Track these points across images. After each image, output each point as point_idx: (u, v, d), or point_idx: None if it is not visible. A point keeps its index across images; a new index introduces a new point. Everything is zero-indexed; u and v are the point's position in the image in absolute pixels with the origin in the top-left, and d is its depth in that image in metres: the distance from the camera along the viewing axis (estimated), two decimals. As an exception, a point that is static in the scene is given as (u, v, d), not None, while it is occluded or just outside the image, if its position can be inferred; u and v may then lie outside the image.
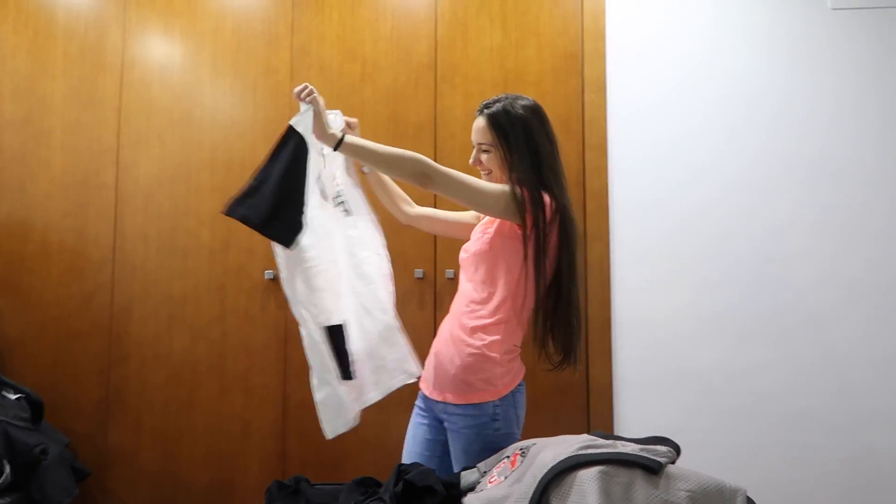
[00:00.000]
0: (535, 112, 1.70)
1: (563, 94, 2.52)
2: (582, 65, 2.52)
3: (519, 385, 1.68)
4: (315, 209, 1.65)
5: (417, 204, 2.01)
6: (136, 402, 2.55)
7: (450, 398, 1.65)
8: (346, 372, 1.66)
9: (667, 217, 2.44)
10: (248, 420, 2.52)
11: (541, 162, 1.66)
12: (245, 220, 1.58)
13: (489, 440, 1.60)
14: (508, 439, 1.61)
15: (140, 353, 2.56)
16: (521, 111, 1.68)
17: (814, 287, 2.38)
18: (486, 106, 1.72)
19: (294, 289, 1.62)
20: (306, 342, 1.63)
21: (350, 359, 1.66)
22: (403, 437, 1.84)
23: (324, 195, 1.75)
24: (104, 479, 2.53)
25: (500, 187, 1.63)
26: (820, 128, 2.42)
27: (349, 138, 1.65)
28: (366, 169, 1.91)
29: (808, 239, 2.39)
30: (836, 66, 2.43)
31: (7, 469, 2.11)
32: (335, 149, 1.65)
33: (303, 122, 1.64)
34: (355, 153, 1.67)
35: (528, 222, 1.60)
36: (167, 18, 2.65)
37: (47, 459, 2.18)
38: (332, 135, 1.65)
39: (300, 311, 1.62)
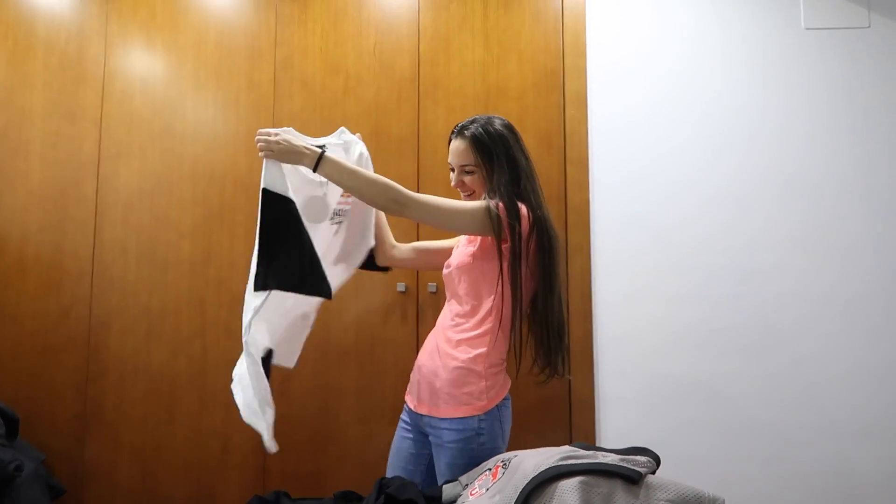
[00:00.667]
0: (510, 129, 1.74)
1: (545, 109, 2.55)
2: (563, 80, 2.56)
3: (504, 399, 1.69)
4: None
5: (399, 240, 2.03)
6: (114, 417, 2.52)
7: (434, 412, 1.66)
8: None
9: (646, 231, 2.48)
10: (228, 435, 2.51)
11: (519, 176, 1.69)
12: (283, 288, 1.57)
13: (474, 454, 1.61)
14: (493, 454, 1.62)
15: (118, 368, 2.54)
16: (499, 129, 1.71)
17: (787, 300, 2.42)
18: (464, 128, 1.74)
19: (247, 328, 1.61)
20: (251, 370, 1.62)
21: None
22: (386, 451, 1.84)
23: (324, 216, 1.76)
24: (81, 495, 2.50)
25: (473, 205, 1.64)
26: (795, 144, 2.48)
27: (329, 157, 1.62)
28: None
29: (781, 253, 2.44)
30: (810, 84, 2.50)
31: (-20, 486, 2.08)
32: (314, 169, 1.62)
33: (269, 177, 1.62)
34: (332, 174, 1.62)
35: (506, 234, 1.61)
36: (149, 31, 2.65)
37: (22, 476, 2.15)
38: (309, 156, 1.62)
39: (250, 343, 1.62)
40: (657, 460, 1.35)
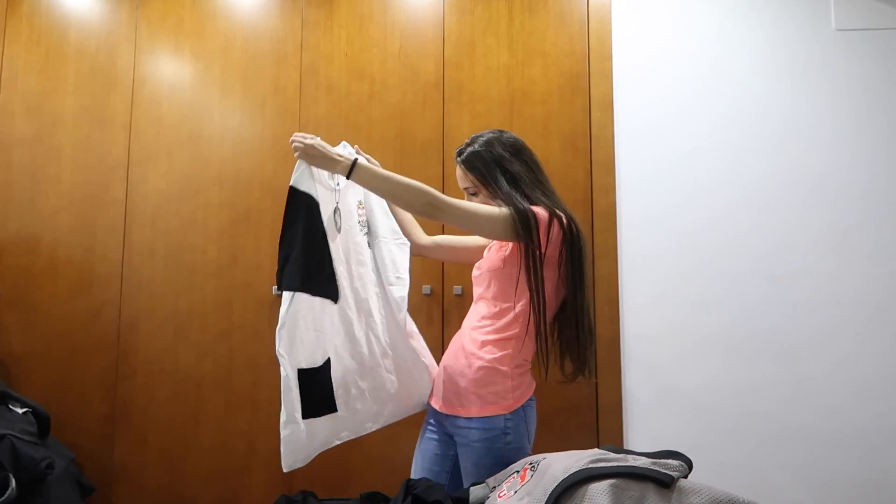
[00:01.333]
0: (507, 146, 1.73)
1: (570, 113, 2.54)
2: (588, 84, 2.55)
3: (529, 399, 1.69)
4: (336, 262, 1.69)
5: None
6: (142, 417, 2.55)
7: (460, 412, 1.66)
8: (326, 406, 1.68)
9: (673, 234, 2.46)
10: (254, 436, 2.52)
11: (517, 180, 1.69)
12: (293, 289, 1.61)
13: (500, 454, 1.61)
14: (519, 454, 1.61)
15: (146, 369, 2.57)
16: (487, 146, 1.73)
17: (817, 304, 2.38)
18: (460, 152, 1.77)
19: (279, 333, 1.63)
20: (283, 384, 1.63)
21: (334, 392, 1.68)
22: (411, 453, 1.84)
23: (338, 228, 1.77)
24: (109, 494, 2.53)
25: (501, 210, 1.64)
26: (823, 147, 2.44)
27: (362, 163, 1.64)
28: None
29: (810, 256, 2.40)
30: (839, 86, 2.46)
31: (13, 483, 2.11)
32: (348, 177, 1.64)
33: (298, 176, 1.65)
34: (366, 180, 1.64)
35: (538, 240, 1.61)
36: (177, 38, 2.69)
37: (53, 474, 2.18)
38: (343, 164, 1.64)
39: (279, 353, 1.63)
40: (689, 464, 1.33)
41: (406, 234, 1.97)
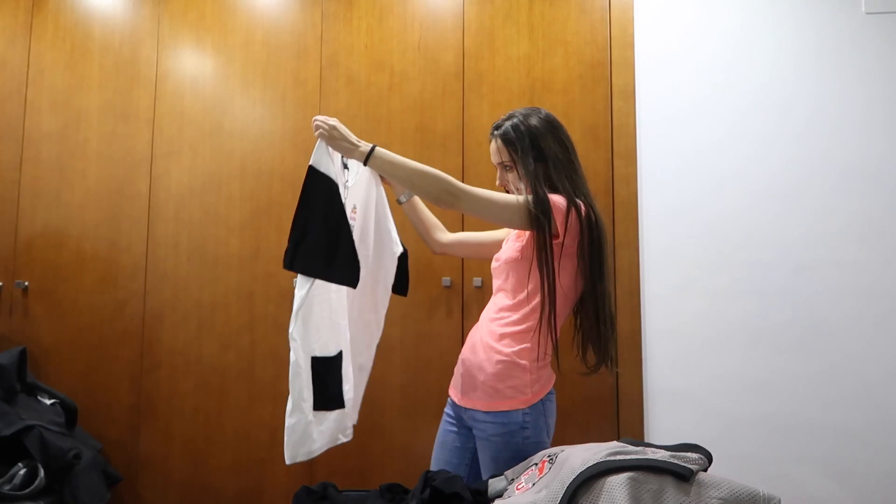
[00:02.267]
0: (543, 121, 1.72)
1: (591, 103, 2.52)
2: (610, 73, 2.52)
3: (549, 393, 1.68)
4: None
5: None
6: (167, 408, 2.59)
7: (479, 405, 1.65)
8: (336, 401, 1.67)
9: (695, 224, 2.42)
10: (277, 427, 2.55)
11: (548, 165, 1.67)
12: (307, 272, 1.59)
13: (518, 448, 1.60)
14: (538, 448, 1.61)
15: (171, 360, 2.61)
16: (529, 122, 1.71)
17: (841, 295, 2.34)
18: (497, 127, 1.76)
19: (294, 317, 1.62)
20: (291, 368, 1.61)
21: (343, 387, 1.68)
22: (431, 445, 1.85)
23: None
24: (135, 484, 2.57)
25: (517, 199, 1.63)
26: (850, 135, 2.39)
27: (379, 151, 1.66)
28: (402, 199, 1.92)
29: (835, 246, 2.35)
30: (868, 71, 2.40)
31: (41, 473, 2.16)
32: (365, 163, 1.66)
33: (318, 157, 1.65)
34: (383, 167, 1.66)
35: (556, 229, 1.60)
36: (199, 32, 2.71)
37: (80, 464, 2.22)
38: (360, 150, 1.66)
39: (292, 336, 1.61)
40: (709, 458, 1.32)
41: (428, 233, 1.96)
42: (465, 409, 1.70)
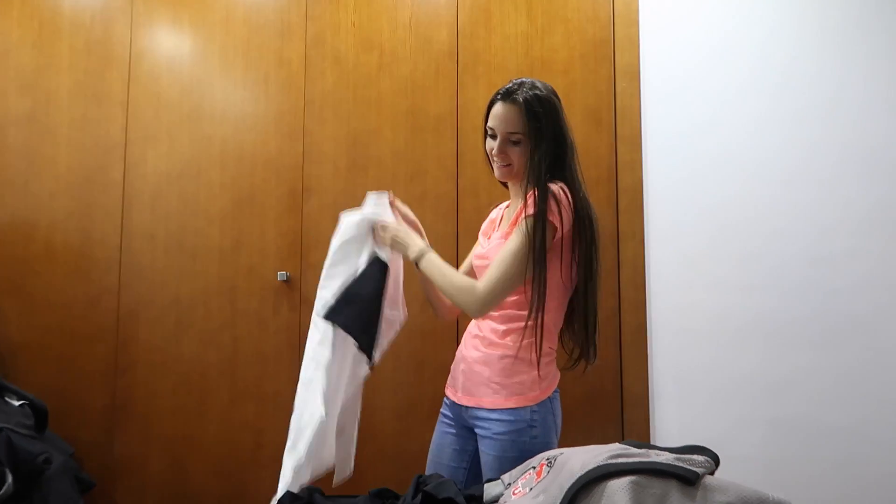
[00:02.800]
0: (557, 96, 1.70)
1: (593, 84, 2.50)
2: (613, 51, 2.50)
3: (555, 391, 1.68)
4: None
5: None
6: (144, 409, 2.58)
7: (484, 402, 1.65)
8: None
9: (705, 214, 2.42)
10: (261, 429, 2.54)
11: (566, 151, 1.66)
12: (346, 329, 1.69)
13: (525, 448, 1.59)
14: (545, 448, 1.60)
15: (148, 359, 2.59)
16: (549, 95, 1.67)
17: (862, 288, 2.33)
18: (513, 91, 1.67)
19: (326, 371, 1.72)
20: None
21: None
22: (424, 448, 1.84)
23: None
24: (110, 490, 2.56)
25: (520, 244, 1.59)
26: (877, 116, 2.36)
27: (430, 255, 1.70)
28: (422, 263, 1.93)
29: (857, 237, 2.35)
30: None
31: (9, 479, 2.14)
32: (417, 265, 1.71)
33: (386, 252, 1.75)
34: (427, 269, 1.69)
35: (544, 234, 1.59)
36: (175, 9, 2.68)
37: (51, 469, 2.21)
38: (415, 251, 1.70)
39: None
40: (716, 460, 1.31)
41: (441, 305, 1.94)
42: (467, 407, 1.69)
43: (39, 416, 2.39)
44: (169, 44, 2.69)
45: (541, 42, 2.54)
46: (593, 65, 2.51)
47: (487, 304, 1.62)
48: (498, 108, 1.69)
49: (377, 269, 1.74)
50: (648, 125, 2.46)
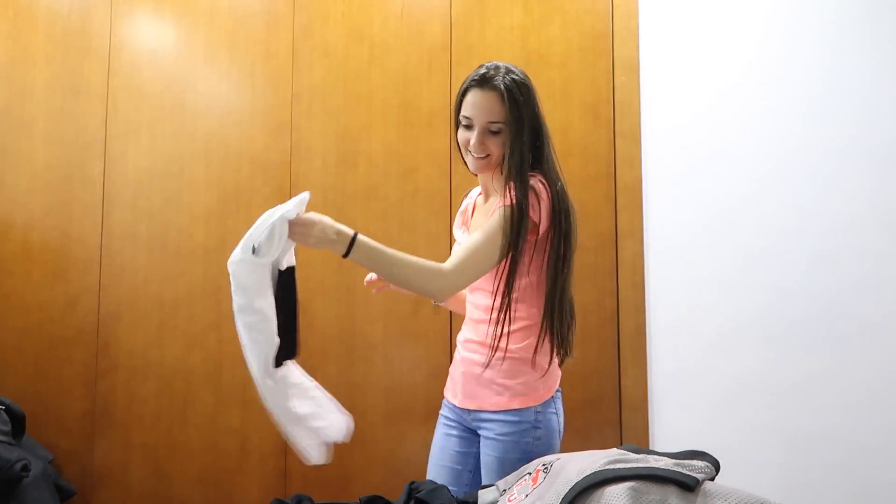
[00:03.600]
0: (529, 80, 1.69)
1: (591, 77, 2.53)
2: (612, 44, 2.53)
3: (557, 390, 1.72)
4: None
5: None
6: (125, 415, 2.59)
7: (487, 405, 1.68)
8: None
9: (708, 212, 2.44)
10: (247, 435, 2.56)
11: (543, 142, 1.66)
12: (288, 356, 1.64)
13: (528, 449, 1.62)
14: (548, 451, 1.63)
15: (129, 363, 2.60)
16: (526, 80, 1.67)
17: (867, 287, 2.36)
18: (489, 77, 1.64)
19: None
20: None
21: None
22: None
23: None
24: (90, 498, 2.57)
25: (494, 231, 1.58)
26: (883, 112, 2.39)
27: (362, 241, 1.51)
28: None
29: (861, 234, 2.37)
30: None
31: (-14, 487, 2.15)
32: (345, 256, 1.52)
33: (290, 257, 1.60)
34: (363, 261, 1.54)
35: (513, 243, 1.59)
36: (158, -2, 2.69)
37: (29, 477, 2.22)
38: (340, 241, 1.51)
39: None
40: (716, 466, 1.34)
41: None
42: (469, 410, 1.72)
43: (16, 421, 2.39)
44: (150, 34, 2.69)
45: (537, 34, 2.56)
46: (592, 58, 2.53)
47: (456, 288, 1.59)
48: (475, 95, 1.64)
49: (288, 278, 1.60)
50: (648, 120, 2.48)
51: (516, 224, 1.58)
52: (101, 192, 2.65)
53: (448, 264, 1.59)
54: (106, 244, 2.64)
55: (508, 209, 1.58)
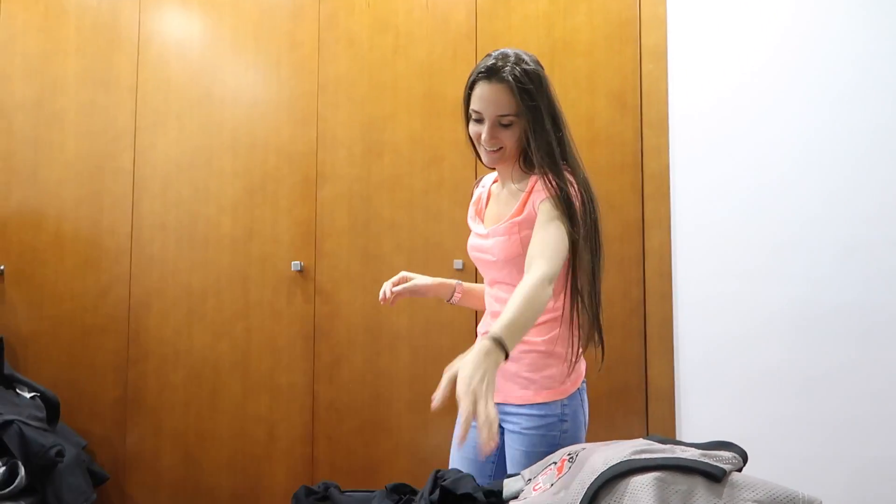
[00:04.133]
0: (542, 67, 1.62)
1: (618, 65, 2.50)
2: (639, 32, 2.49)
3: (583, 382, 1.70)
4: None
5: None
6: (156, 402, 2.63)
7: (512, 399, 1.67)
8: None
9: (736, 201, 2.41)
10: (274, 422, 2.58)
11: (562, 128, 1.61)
12: None
13: (555, 442, 1.61)
14: (575, 443, 1.62)
15: (159, 351, 2.64)
16: (536, 67, 1.60)
17: (903, 279, 2.32)
18: (498, 69, 1.57)
19: None
20: None
21: None
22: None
23: None
24: (123, 483, 2.62)
25: (551, 216, 1.54)
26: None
27: (501, 334, 1.36)
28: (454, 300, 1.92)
29: (894, 224, 2.33)
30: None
31: (21, 472, 2.20)
32: (507, 357, 1.38)
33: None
34: (518, 337, 1.41)
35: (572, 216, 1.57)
36: (185, -11, 2.71)
37: (63, 462, 2.27)
38: (496, 351, 1.37)
39: None
40: (744, 457, 1.32)
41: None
42: (495, 403, 1.71)
43: (51, 408, 2.44)
44: (178, 26, 2.72)
45: (563, 22, 2.53)
46: (618, 45, 2.50)
47: (556, 276, 1.48)
48: (483, 88, 1.59)
49: None
50: (676, 108, 2.45)
51: (567, 212, 1.54)
52: (130, 182, 2.69)
53: (536, 268, 1.48)
54: (136, 234, 2.68)
55: (557, 202, 1.54)
